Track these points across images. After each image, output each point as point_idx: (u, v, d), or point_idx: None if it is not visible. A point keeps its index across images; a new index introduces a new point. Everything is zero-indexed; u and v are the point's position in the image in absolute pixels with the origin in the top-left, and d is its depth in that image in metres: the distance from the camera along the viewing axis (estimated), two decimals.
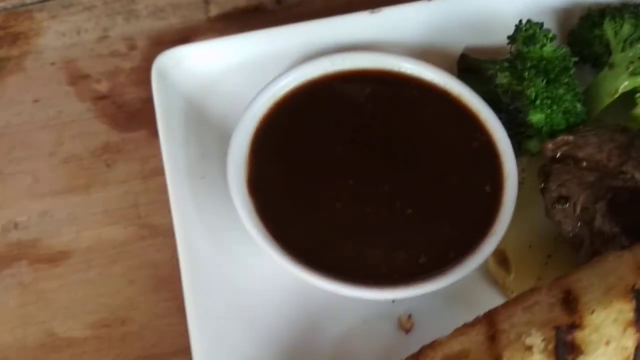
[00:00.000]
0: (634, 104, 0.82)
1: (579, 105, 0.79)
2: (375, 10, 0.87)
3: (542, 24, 0.78)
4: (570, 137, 0.76)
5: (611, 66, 0.84)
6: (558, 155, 0.75)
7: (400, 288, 0.67)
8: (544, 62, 0.76)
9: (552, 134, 0.78)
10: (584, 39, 0.86)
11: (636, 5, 0.83)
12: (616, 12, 0.84)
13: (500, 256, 0.74)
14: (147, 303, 0.76)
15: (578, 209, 0.70)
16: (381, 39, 0.87)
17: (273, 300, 0.72)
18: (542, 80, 0.75)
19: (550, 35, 0.78)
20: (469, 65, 0.85)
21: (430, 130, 0.78)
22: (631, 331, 0.54)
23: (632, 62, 0.81)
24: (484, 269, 0.73)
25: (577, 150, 0.74)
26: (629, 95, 0.81)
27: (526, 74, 0.76)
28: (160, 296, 0.76)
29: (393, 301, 0.70)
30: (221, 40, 0.83)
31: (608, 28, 0.83)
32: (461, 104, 0.79)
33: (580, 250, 0.69)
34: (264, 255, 0.68)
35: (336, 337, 0.69)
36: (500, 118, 0.78)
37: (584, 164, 0.73)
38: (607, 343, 0.54)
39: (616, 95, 0.83)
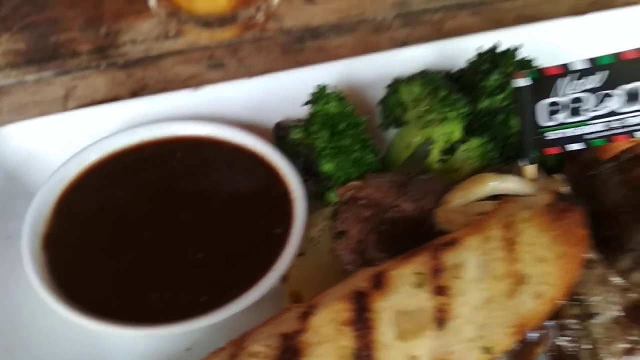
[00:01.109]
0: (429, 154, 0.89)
1: (370, 156, 0.85)
2: (198, 88, 0.96)
3: (327, 86, 0.87)
4: (358, 183, 0.81)
5: (406, 123, 0.92)
6: (346, 198, 0.80)
7: (177, 325, 0.68)
8: (329, 118, 0.84)
9: (347, 182, 0.84)
10: (388, 103, 0.95)
11: (425, 72, 0.93)
12: (411, 79, 0.94)
13: (296, 296, 0.77)
14: None
15: (354, 241, 0.74)
16: (205, 112, 0.95)
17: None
18: (327, 133, 0.82)
19: (335, 95, 0.86)
20: (283, 131, 0.93)
21: (233, 185, 0.84)
22: (348, 330, 0.56)
23: (420, 117, 0.89)
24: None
25: (359, 191, 0.80)
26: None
27: (312, 128, 0.83)
28: None
29: None
30: (42, 119, 0.90)
31: (403, 92, 0.93)
32: (265, 162, 0.86)
33: None
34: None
35: None
36: (305, 170, 0.85)
37: (363, 202, 0.78)
38: (324, 342, 0.55)
39: (412, 148, 0.90)
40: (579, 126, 0.70)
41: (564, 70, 0.66)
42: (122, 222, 0.78)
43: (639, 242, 0.74)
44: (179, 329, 0.67)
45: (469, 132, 0.89)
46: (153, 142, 0.87)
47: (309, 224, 0.85)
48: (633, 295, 0.71)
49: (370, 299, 0.57)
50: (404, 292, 0.57)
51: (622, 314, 0.68)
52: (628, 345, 0.67)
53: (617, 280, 0.71)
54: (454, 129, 0.86)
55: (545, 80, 0.67)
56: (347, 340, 0.55)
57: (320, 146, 0.82)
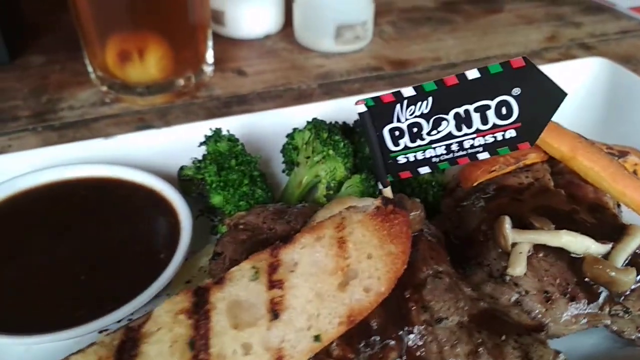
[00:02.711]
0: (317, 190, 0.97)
1: (259, 191, 0.93)
2: (110, 136, 1.05)
3: (220, 129, 0.96)
4: (243, 213, 0.88)
5: (298, 164, 1.00)
6: (235, 226, 0.87)
7: (52, 335, 0.72)
8: (219, 155, 0.92)
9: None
10: (286, 148, 1.04)
11: (315, 120, 1.03)
12: (306, 127, 1.04)
13: None
14: None
15: (228, 261, 0.80)
16: (115, 158, 1.04)
17: None
18: (215, 168, 0.90)
19: (227, 136, 0.95)
20: (185, 173, 1.01)
21: (129, 218, 0.90)
22: (184, 318, 0.61)
23: (307, 157, 0.97)
24: None
25: (241, 219, 0.86)
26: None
27: (202, 164, 0.91)
28: None
29: None
30: None
31: (297, 137, 1.02)
32: (160, 198, 0.93)
33: None
34: None
35: None
36: (201, 204, 0.92)
37: (242, 227, 0.84)
38: (159, 329, 0.60)
39: (303, 186, 0.98)
40: (424, 149, 0.78)
41: (397, 98, 0.75)
42: (24, 249, 0.83)
43: (494, 258, 0.80)
44: (49, 339, 0.71)
45: (355, 171, 0.97)
46: (60, 182, 0.94)
47: (202, 254, 0.91)
48: (482, 305, 0.76)
49: (209, 292, 0.62)
50: (240, 284, 0.63)
51: (467, 319, 0.73)
52: (472, 348, 0.71)
53: (468, 291, 0.77)
54: (336, 167, 0.94)
55: (384, 107, 0.76)
56: (182, 328, 0.60)
57: (209, 180, 0.89)
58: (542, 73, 0.70)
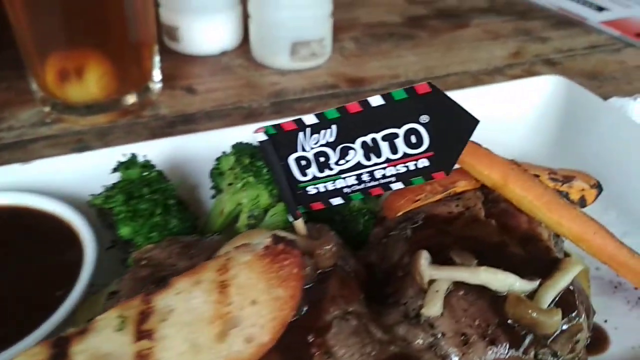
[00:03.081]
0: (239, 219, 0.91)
1: (174, 221, 0.87)
2: (27, 162, 1.00)
3: (136, 155, 0.90)
4: (152, 246, 0.82)
5: (220, 192, 0.95)
6: (139, 261, 0.81)
7: None
8: (128, 183, 0.86)
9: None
10: (213, 174, 0.98)
11: (239, 143, 0.97)
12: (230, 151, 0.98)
13: None
14: None
15: (123, 300, 0.74)
16: (34, 183, 0.98)
17: None
18: (123, 197, 0.84)
19: (140, 162, 0.89)
20: (94, 202, 0.95)
21: (31, 250, 0.85)
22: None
23: (230, 184, 0.92)
24: None
25: (145, 253, 0.80)
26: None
27: (111, 192, 0.86)
28: None
29: None
30: None
31: (223, 162, 0.96)
32: (69, 228, 0.88)
33: None
34: None
35: None
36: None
37: (144, 262, 0.78)
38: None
39: (225, 214, 0.92)
40: (334, 180, 0.73)
41: (299, 125, 0.69)
42: None
43: (411, 296, 0.74)
44: None
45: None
46: None
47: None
48: (392, 349, 0.70)
49: (70, 343, 0.56)
50: (103, 335, 0.57)
51: None
52: None
53: (379, 333, 0.71)
54: (259, 194, 0.89)
55: (286, 136, 0.70)
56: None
57: (117, 210, 0.84)
58: (449, 99, 0.64)
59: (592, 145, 1.15)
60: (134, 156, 0.90)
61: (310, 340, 0.67)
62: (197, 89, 1.51)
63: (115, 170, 0.89)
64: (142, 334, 0.57)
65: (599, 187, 1.00)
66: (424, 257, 0.73)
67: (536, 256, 0.79)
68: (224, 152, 0.98)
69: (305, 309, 0.69)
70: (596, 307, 0.85)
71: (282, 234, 0.68)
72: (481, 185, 0.88)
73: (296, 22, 1.50)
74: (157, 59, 1.42)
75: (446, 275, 0.72)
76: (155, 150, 1.00)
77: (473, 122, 0.66)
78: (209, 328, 0.57)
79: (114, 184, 0.87)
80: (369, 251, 0.87)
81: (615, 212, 1.02)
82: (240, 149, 0.93)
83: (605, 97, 1.22)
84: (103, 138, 1.31)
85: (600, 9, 1.96)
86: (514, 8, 2.01)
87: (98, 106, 1.35)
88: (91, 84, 1.31)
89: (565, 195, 0.93)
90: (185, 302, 0.58)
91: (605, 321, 0.85)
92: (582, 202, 0.96)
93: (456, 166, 0.88)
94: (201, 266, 0.61)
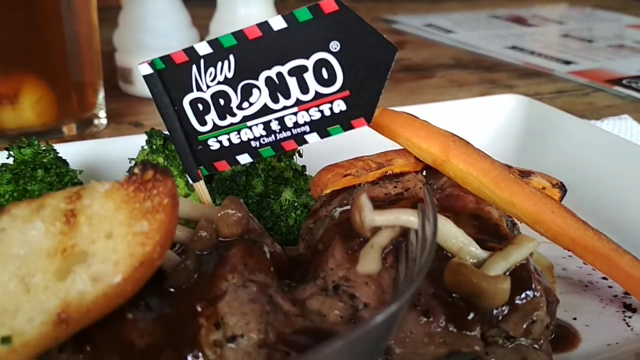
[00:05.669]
0: None
1: None
2: None
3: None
4: None
5: None
6: None
7: None
8: (20, 164, 0.76)
9: None
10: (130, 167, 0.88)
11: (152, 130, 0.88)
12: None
13: None
14: None
15: None
16: None
17: None
18: (9, 176, 0.74)
19: (41, 146, 0.80)
20: None
21: None
22: None
23: None
24: None
25: None
26: None
27: None
28: None
29: None
30: None
31: (140, 155, 0.86)
32: None
33: None
34: None
35: None
36: None
37: None
38: None
39: None
40: (238, 129, 0.63)
41: (191, 56, 0.60)
42: None
43: (330, 268, 0.62)
44: None
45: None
46: None
47: None
48: (302, 322, 0.56)
49: None
50: None
51: (274, 338, 0.53)
52: None
53: (286, 305, 0.58)
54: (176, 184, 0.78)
55: (178, 71, 0.61)
56: None
57: (1, 190, 0.73)
58: (362, 21, 0.56)
59: (556, 155, 1.06)
60: (32, 141, 0.80)
61: (199, 309, 0.54)
62: (145, 123, 1.44)
63: (7, 149, 0.79)
64: None
65: (562, 188, 0.90)
66: (365, 198, 0.61)
67: (485, 232, 0.67)
68: (142, 147, 0.88)
69: (195, 276, 0.57)
70: (564, 305, 0.73)
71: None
72: (422, 168, 0.78)
73: None
74: (101, 95, 1.37)
75: (391, 219, 0.59)
76: (73, 152, 0.92)
77: (391, 50, 0.57)
78: (46, 262, 0.45)
79: (3, 163, 0.77)
80: (298, 244, 0.75)
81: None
82: (152, 134, 0.83)
83: None
84: None
85: (567, 62, 1.96)
86: (480, 64, 2.01)
87: (33, 133, 1.26)
88: (25, 107, 1.24)
89: None
90: (20, 231, 0.46)
91: (575, 319, 0.72)
92: None
93: (397, 147, 0.79)
94: (49, 194, 0.49)
